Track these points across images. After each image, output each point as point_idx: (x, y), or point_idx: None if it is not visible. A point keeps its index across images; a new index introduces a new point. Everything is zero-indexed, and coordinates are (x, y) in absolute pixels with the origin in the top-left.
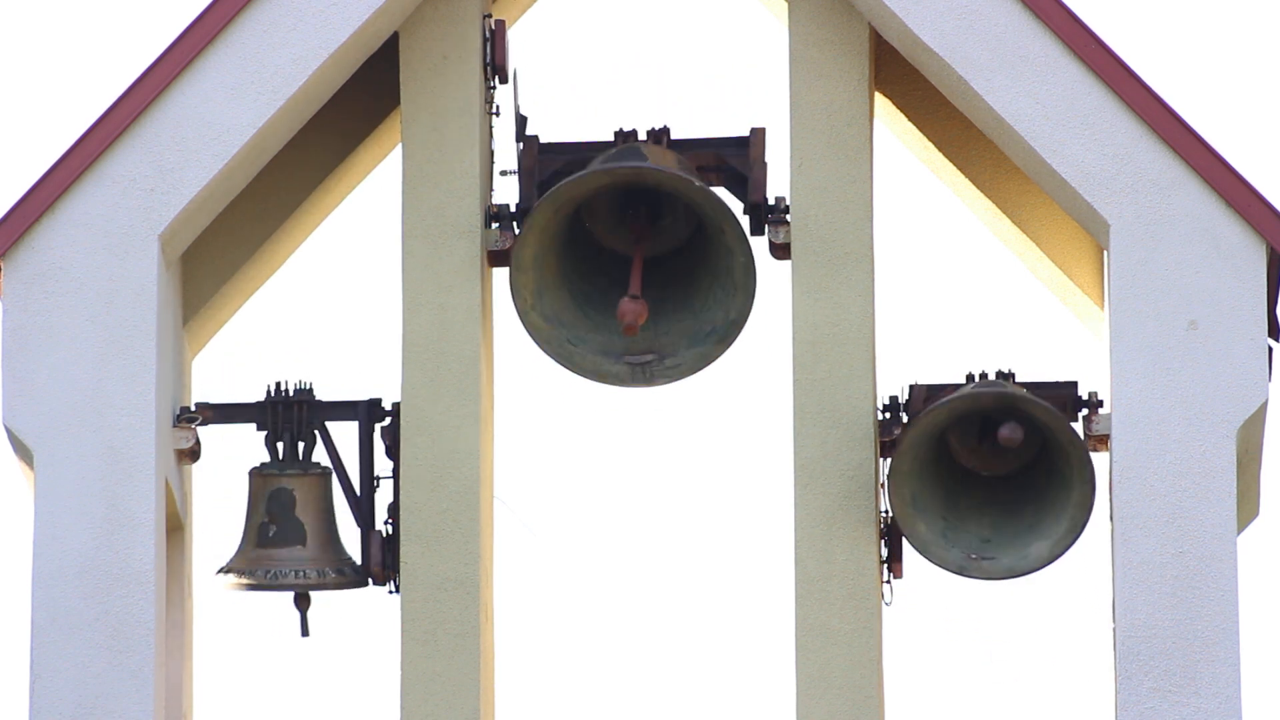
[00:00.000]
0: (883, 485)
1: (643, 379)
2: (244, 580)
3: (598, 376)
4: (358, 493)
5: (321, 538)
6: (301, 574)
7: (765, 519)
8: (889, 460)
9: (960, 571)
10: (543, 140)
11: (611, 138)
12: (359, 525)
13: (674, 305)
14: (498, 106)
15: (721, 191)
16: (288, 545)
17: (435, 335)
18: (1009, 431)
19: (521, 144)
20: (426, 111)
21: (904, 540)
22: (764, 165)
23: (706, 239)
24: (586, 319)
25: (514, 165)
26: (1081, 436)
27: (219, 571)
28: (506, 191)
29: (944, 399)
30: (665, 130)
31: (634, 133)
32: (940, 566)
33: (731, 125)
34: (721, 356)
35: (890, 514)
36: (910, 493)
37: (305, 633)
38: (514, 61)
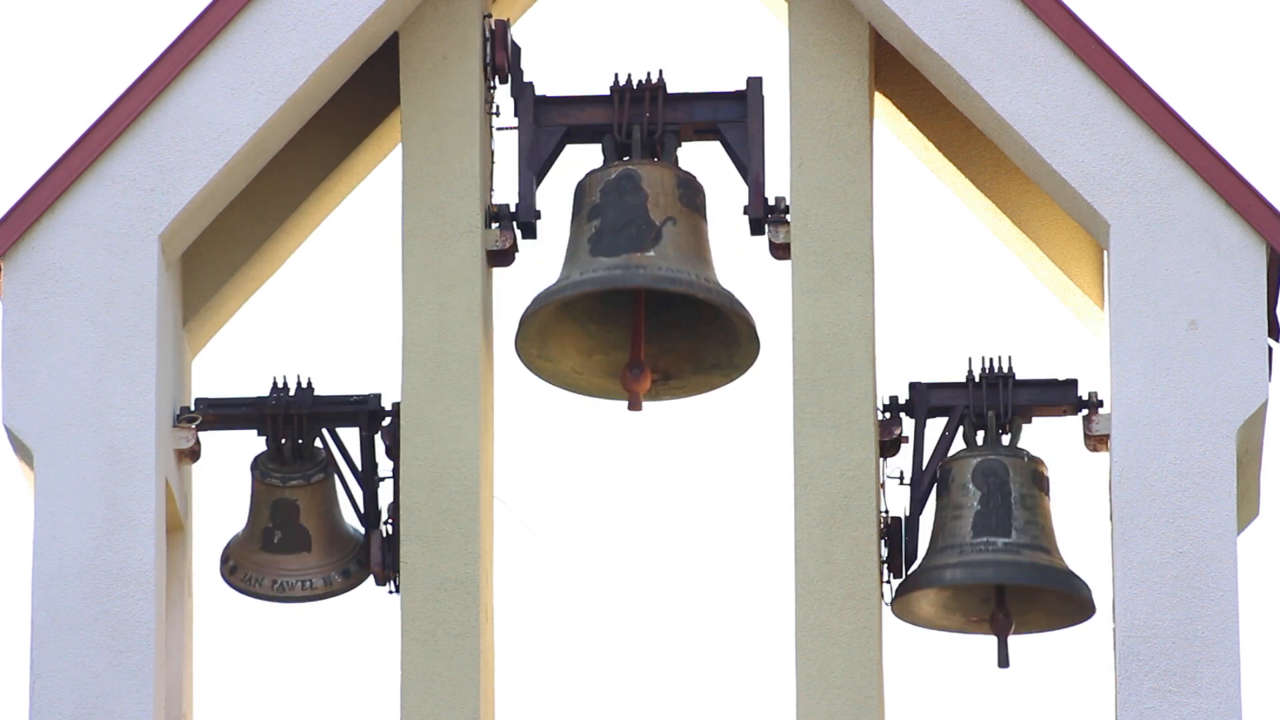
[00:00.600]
0: (882, 485)
1: (648, 396)
2: (252, 587)
3: (603, 395)
4: (358, 493)
5: (326, 542)
6: (308, 583)
7: (765, 519)
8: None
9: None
10: (538, 93)
11: (608, 92)
12: (359, 526)
13: (678, 325)
14: (498, 106)
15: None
16: (293, 553)
17: (435, 335)
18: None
19: (517, 99)
20: (426, 111)
21: (903, 530)
22: (762, 120)
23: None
24: (590, 339)
25: (510, 125)
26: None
27: (223, 559)
28: (506, 191)
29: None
30: (661, 84)
31: (629, 84)
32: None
33: (732, 128)
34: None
35: (888, 512)
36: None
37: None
38: (513, 62)
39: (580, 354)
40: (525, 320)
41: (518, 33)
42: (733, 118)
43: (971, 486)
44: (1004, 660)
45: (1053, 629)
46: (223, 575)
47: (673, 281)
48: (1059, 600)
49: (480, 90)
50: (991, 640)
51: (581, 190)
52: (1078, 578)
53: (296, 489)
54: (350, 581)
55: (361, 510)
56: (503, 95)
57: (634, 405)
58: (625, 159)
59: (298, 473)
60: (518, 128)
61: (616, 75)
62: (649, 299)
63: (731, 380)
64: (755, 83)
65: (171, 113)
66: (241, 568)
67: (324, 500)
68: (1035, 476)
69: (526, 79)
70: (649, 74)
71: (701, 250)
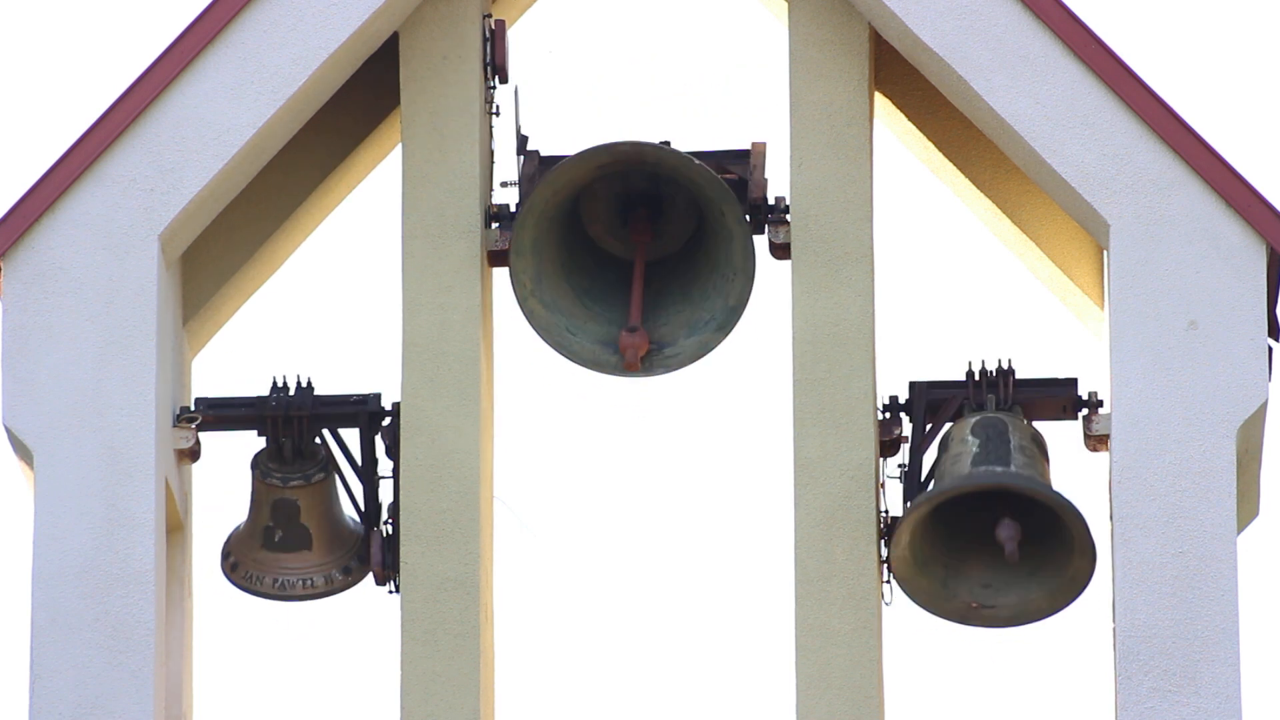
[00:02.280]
0: (882, 485)
1: (641, 370)
2: (253, 585)
3: (595, 366)
4: (358, 493)
5: (326, 540)
6: (309, 582)
7: (765, 519)
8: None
9: (962, 621)
10: (543, 154)
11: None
12: (359, 520)
13: (673, 296)
14: (498, 106)
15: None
16: (294, 551)
17: (435, 335)
18: (1006, 536)
19: (522, 157)
20: (426, 111)
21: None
22: (764, 175)
23: (706, 229)
24: (584, 309)
25: (514, 177)
26: (1082, 517)
27: (224, 555)
28: (507, 192)
29: (940, 488)
30: (666, 143)
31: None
32: (942, 617)
33: (732, 126)
34: (721, 345)
35: (888, 512)
36: (913, 555)
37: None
38: (514, 64)
39: (577, 308)
40: (521, 221)
41: (517, 33)
42: (736, 170)
43: (970, 436)
44: (1011, 556)
45: (1056, 602)
46: (224, 571)
47: (669, 154)
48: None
49: (480, 90)
50: (988, 637)
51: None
52: (1076, 509)
53: (297, 489)
54: (351, 579)
55: (361, 510)
56: (503, 95)
57: (630, 365)
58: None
59: (298, 472)
60: (518, 184)
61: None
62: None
63: (728, 331)
64: (759, 146)
65: (171, 113)
66: (243, 565)
67: (324, 499)
68: (1035, 438)
69: (532, 145)
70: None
71: None
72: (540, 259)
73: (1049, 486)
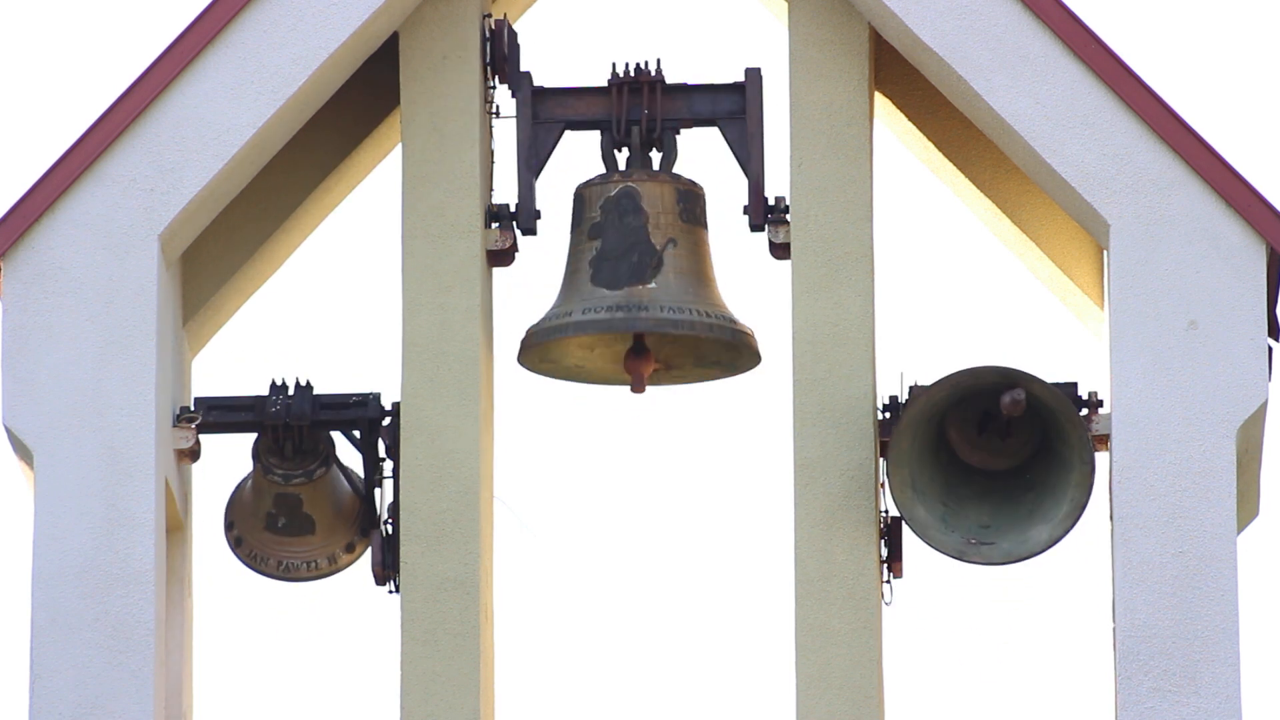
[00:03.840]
0: (883, 485)
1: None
2: (257, 565)
3: (960, 557)
4: (357, 493)
5: (330, 524)
6: (313, 564)
7: (765, 519)
8: (888, 444)
9: (960, 556)
10: (536, 84)
11: (605, 84)
12: (359, 526)
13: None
14: (497, 106)
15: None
16: (298, 535)
17: (435, 335)
18: (1011, 398)
19: (516, 94)
20: (426, 111)
21: (904, 530)
22: (761, 114)
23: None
24: (592, 353)
25: (508, 115)
26: (1082, 417)
27: (227, 526)
28: (506, 191)
29: (944, 376)
30: (659, 76)
31: (629, 73)
32: (939, 551)
33: (731, 124)
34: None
35: (888, 512)
36: (910, 475)
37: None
38: (515, 64)
39: (583, 349)
40: (527, 344)
41: (517, 30)
42: (731, 111)
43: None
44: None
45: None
46: (228, 542)
47: (675, 324)
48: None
49: (480, 90)
50: (989, 636)
51: (581, 201)
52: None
53: (299, 486)
54: (355, 555)
55: (363, 483)
56: (503, 95)
57: (637, 387)
58: (625, 170)
59: (299, 470)
60: (515, 118)
61: (614, 65)
62: None
63: (731, 376)
64: (754, 74)
65: (171, 113)
66: (247, 542)
67: (326, 490)
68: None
69: (524, 70)
70: (647, 64)
71: (703, 269)
72: (546, 349)
73: (1049, 384)
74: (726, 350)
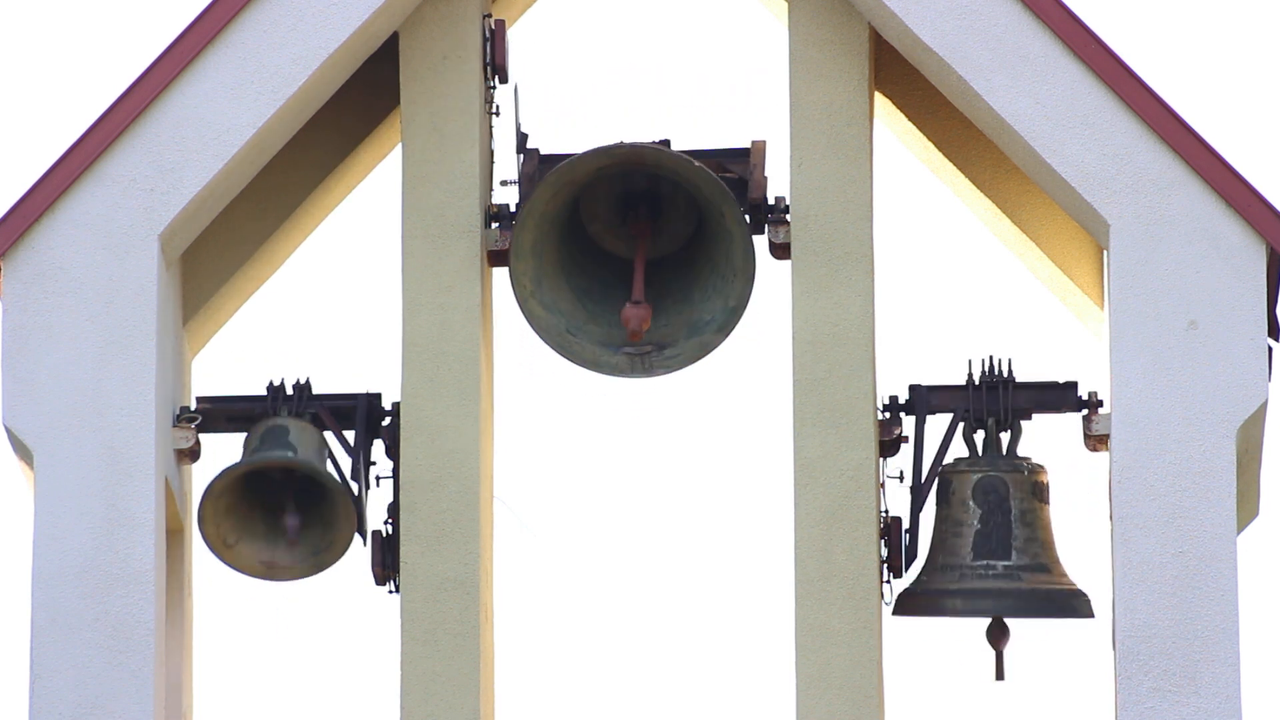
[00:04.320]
0: (882, 485)
1: (641, 369)
2: (240, 468)
3: (595, 366)
4: (357, 493)
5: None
6: (290, 456)
7: (765, 519)
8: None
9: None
10: (543, 152)
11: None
12: (358, 526)
13: (673, 297)
14: (498, 106)
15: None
16: (276, 449)
17: (435, 335)
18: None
19: (522, 155)
20: (426, 111)
21: (904, 530)
22: (764, 174)
23: (706, 229)
24: (585, 310)
25: (514, 176)
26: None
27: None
28: (506, 191)
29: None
30: (666, 142)
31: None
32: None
33: (731, 126)
34: (721, 345)
35: (888, 512)
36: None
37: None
38: (514, 64)
39: (578, 309)
40: (521, 222)
41: (517, 32)
42: (736, 169)
43: (972, 504)
44: (1000, 674)
45: (1051, 617)
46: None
47: (668, 156)
48: (1059, 613)
49: (480, 90)
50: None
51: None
52: (1079, 596)
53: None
54: (340, 548)
55: (360, 510)
56: (503, 95)
57: (634, 335)
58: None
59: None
60: (518, 183)
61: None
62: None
63: (728, 331)
64: (759, 144)
65: (171, 113)
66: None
67: (316, 438)
68: (1035, 488)
69: (531, 144)
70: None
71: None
72: (540, 260)
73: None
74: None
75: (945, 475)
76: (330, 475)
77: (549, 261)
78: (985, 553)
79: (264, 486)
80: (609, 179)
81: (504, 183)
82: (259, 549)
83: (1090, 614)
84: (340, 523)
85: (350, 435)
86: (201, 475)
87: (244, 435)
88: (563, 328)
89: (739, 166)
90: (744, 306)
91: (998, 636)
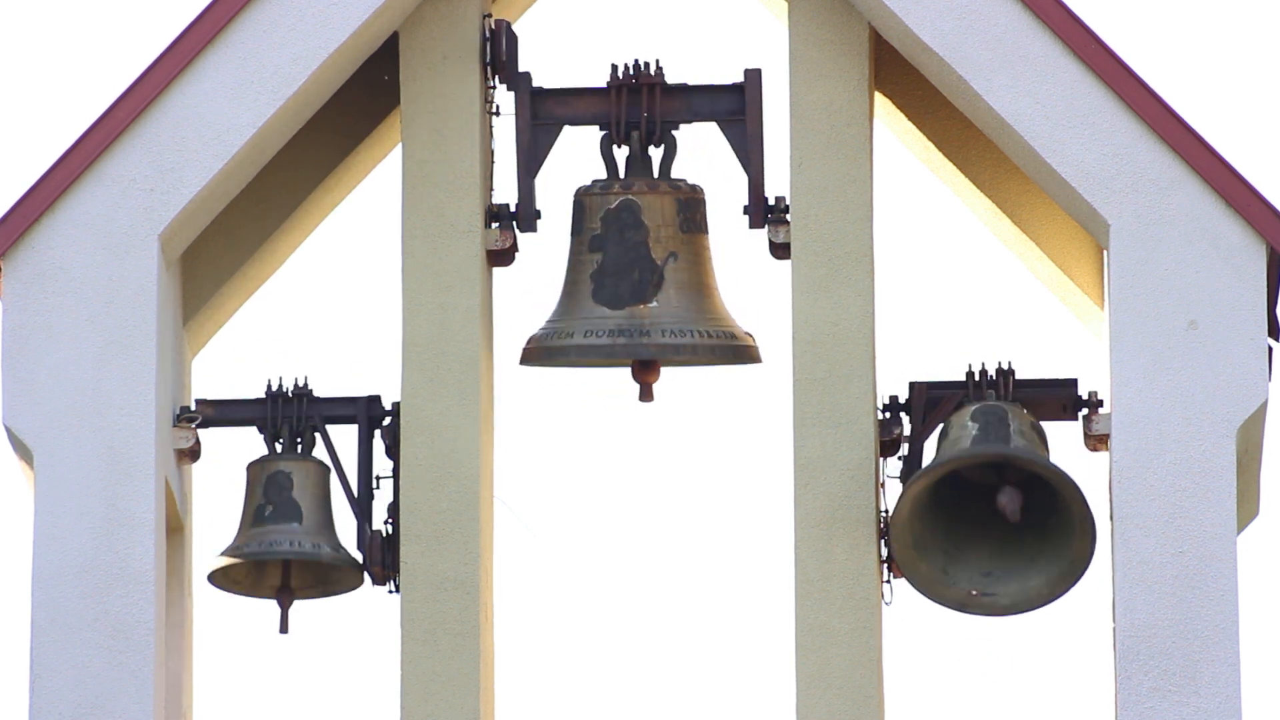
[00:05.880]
0: (882, 485)
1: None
2: (237, 553)
3: (962, 608)
4: (357, 493)
5: (318, 519)
6: (297, 544)
7: (765, 519)
8: (892, 508)
9: (961, 608)
10: (535, 85)
11: (605, 85)
12: (359, 525)
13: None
14: (497, 106)
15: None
16: (284, 521)
17: (435, 335)
18: (1007, 500)
19: (513, 92)
20: (426, 111)
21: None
22: (760, 114)
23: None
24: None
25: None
26: (1082, 494)
27: (221, 554)
28: (506, 191)
29: (942, 459)
30: (659, 77)
31: (629, 73)
32: (941, 604)
33: (731, 124)
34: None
35: (888, 512)
36: (912, 537)
37: (284, 629)
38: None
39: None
40: (528, 352)
41: (517, 33)
42: (731, 111)
43: (970, 421)
44: (1014, 514)
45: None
46: (216, 566)
47: (677, 350)
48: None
49: (480, 90)
50: (989, 637)
51: (581, 209)
52: (1075, 483)
53: (291, 462)
54: (339, 556)
55: (360, 510)
56: (503, 95)
57: (645, 396)
58: (624, 180)
59: (293, 451)
60: (514, 116)
61: (614, 66)
62: None
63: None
64: (754, 75)
65: (171, 113)
66: (232, 549)
67: (318, 484)
68: (1035, 426)
69: (523, 70)
70: (647, 65)
71: (704, 281)
72: (549, 354)
73: (1048, 460)
74: (730, 352)
75: (944, 425)
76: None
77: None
78: (984, 441)
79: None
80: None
81: (496, 112)
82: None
83: (1082, 497)
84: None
85: (351, 434)
86: (202, 475)
87: (240, 434)
88: (572, 357)
89: (734, 124)
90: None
91: (1007, 495)
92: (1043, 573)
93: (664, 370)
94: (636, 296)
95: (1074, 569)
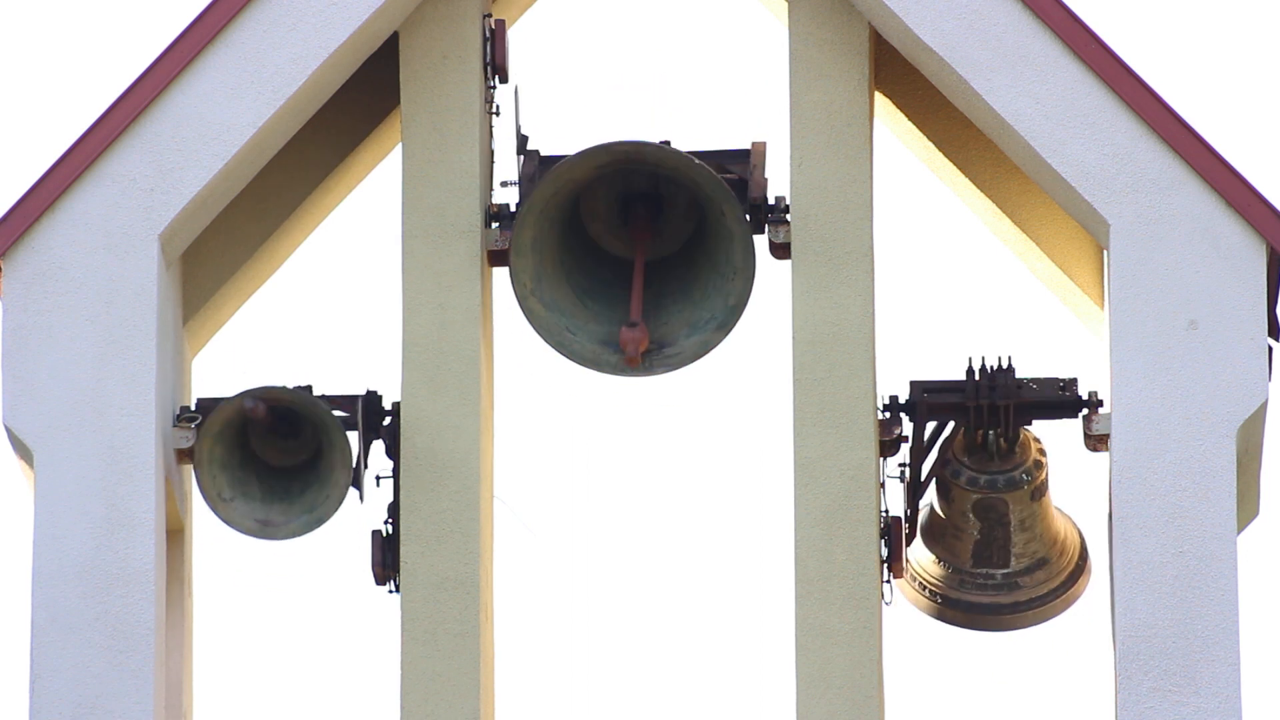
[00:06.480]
0: (882, 485)
1: (641, 368)
2: (234, 400)
3: (595, 365)
4: (355, 497)
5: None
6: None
7: (765, 519)
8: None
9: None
10: (543, 153)
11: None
12: (355, 478)
13: (673, 296)
14: (497, 106)
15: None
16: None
17: (435, 335)
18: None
19: (522, 156)
20: (426, 111)
21: (903, 530)
22: (764, 174)
23: (706, 228)
24: (585, 309)
25: (514, 177)
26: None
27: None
28: (507, 192)
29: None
30: (666, 143)
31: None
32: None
33: (732, 126)
34: (721, 344)
35: (888, 512)
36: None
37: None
38: (514, 64)
39: (577, 307)
40: (521, 220)
41: (517, 32)
42: (736, 170)
43: (972, 516)
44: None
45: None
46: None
47: (669, 154)
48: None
49: (480, 90)
50: (988, 637)
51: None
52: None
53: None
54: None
55: (357, 459)
56: (503, 95)
57: (631, 360)
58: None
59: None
60: (518, 184)
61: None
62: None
63: (728, 330)
64: (759, 146)
65: (171, 113)
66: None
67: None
68: (1035, 493)
69: (532, 145)
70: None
71: None
72: (540, 259)
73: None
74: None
75: (943, 480)
76: (329, 413)
77: (549, 260)
78: (984, 562)
79: (262, 449)
80: (609, 178)
81: (504, 184)
82: (254, 508)
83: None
84: (337, 473)
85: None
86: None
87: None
88: (562, 326)
89: (739, 168)
90: (744, 305)
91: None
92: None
93: (665, 373)
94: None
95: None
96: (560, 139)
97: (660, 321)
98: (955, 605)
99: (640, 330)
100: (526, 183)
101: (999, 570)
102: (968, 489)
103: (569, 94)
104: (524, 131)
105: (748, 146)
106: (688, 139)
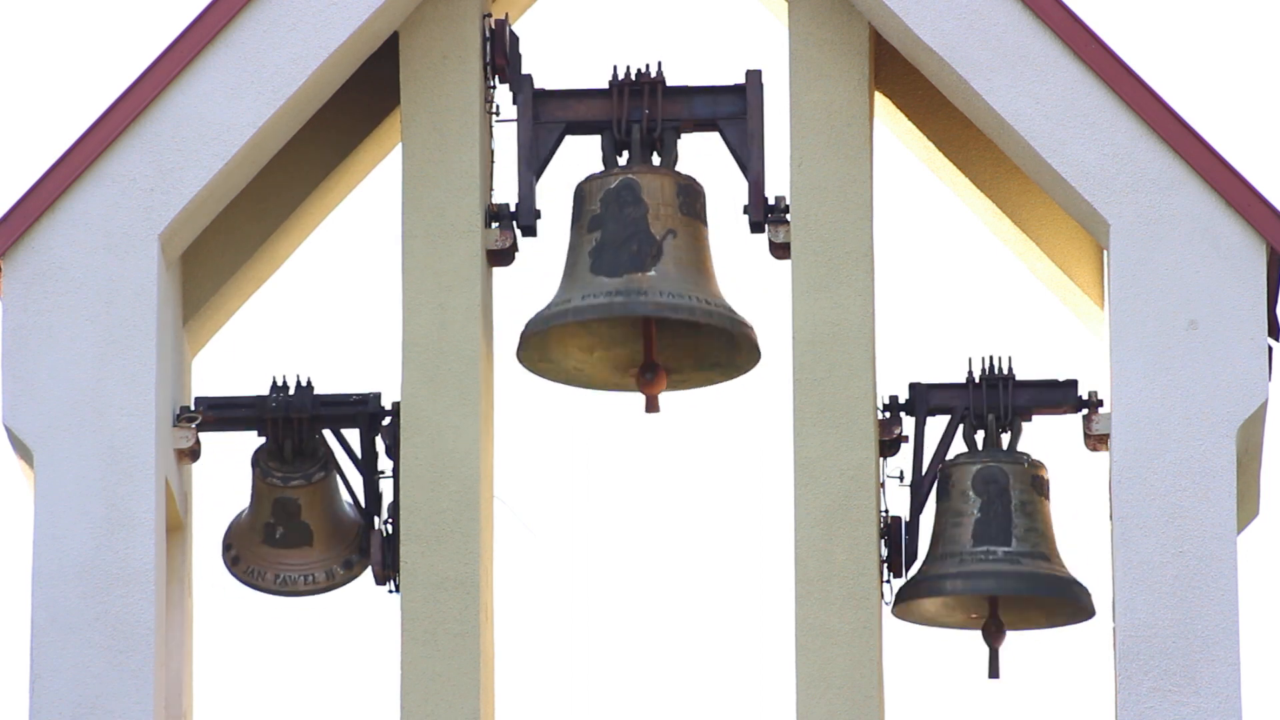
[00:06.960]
0: (882, 485)
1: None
2: (254, 580)
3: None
4: (359, 492)
5: (328, 536)
6: (310, 578)
7: (765, 519)
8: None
9: None
10: (537, 86)
11: (606, 85)
12: (361, 526)
13: (681, 325)
14: (498, 106)
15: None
16: (296, 547)
17: (435, 335)
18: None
19: (515, 90)
20: (426, 111)
21: (904, 530)
22: (761, 115)
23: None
24: (592, 356)
25: (509, 118)
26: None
27: (225, 547)
28: (506, 191)
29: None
30: (660, 78)
31: (630, 75)
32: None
33: (732, 125)
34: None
35: (888, 512)
36: None
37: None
38: (516, 66)
39: (582, 351)
40: (526, 337)
41: (517, 32)
42: (732, 113)
43: (972, 493)
44: (994, 672)
45: (1052, 627)
46: (225, 563)
47: (674, 309)
48: (1058, 602)
49: (480, 90)
50: (974, 635)
51: (581, 196)
52: (1077, 584)
53: (298, 489)
54: (353, 572)
55: (362, 509)
56: (503, 94)
57: (651, 407)
58: (625, 165)
59: (298, 472)
60: (516, 120)
61: (615, 69)
62: None
63: (731, 379)
64: (754, 75)
65: (171, 113)
66: (244, 559)
67: (325, 497)
68: (1035, 481)
69: (525, 72)
70: (648, 67)
71: (702, 262)
72: (546, 346)
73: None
74: (726, 346)
75: (945, 470)
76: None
77: (555, 334)
78: (985, 539)
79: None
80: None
81: (500, 120)
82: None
83: (1090, 608)
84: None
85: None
86: (202, 475)
87: (240, 434)
88: (570, 367)
89: (734, 124)
90: (749, 369)
91: (994, 634)
92: None
93: (664, 376)
94: (635, 265)
95: None
96: (556, 79)
97: (666, 343)
98: (960, 584)
99: (659, 376)
100: (524, 112)
101: (1000, 548)
102: (967, 463)
103: (565, 40)
104: (515, 33)
105: (742, 81)
106: (688, 138)
